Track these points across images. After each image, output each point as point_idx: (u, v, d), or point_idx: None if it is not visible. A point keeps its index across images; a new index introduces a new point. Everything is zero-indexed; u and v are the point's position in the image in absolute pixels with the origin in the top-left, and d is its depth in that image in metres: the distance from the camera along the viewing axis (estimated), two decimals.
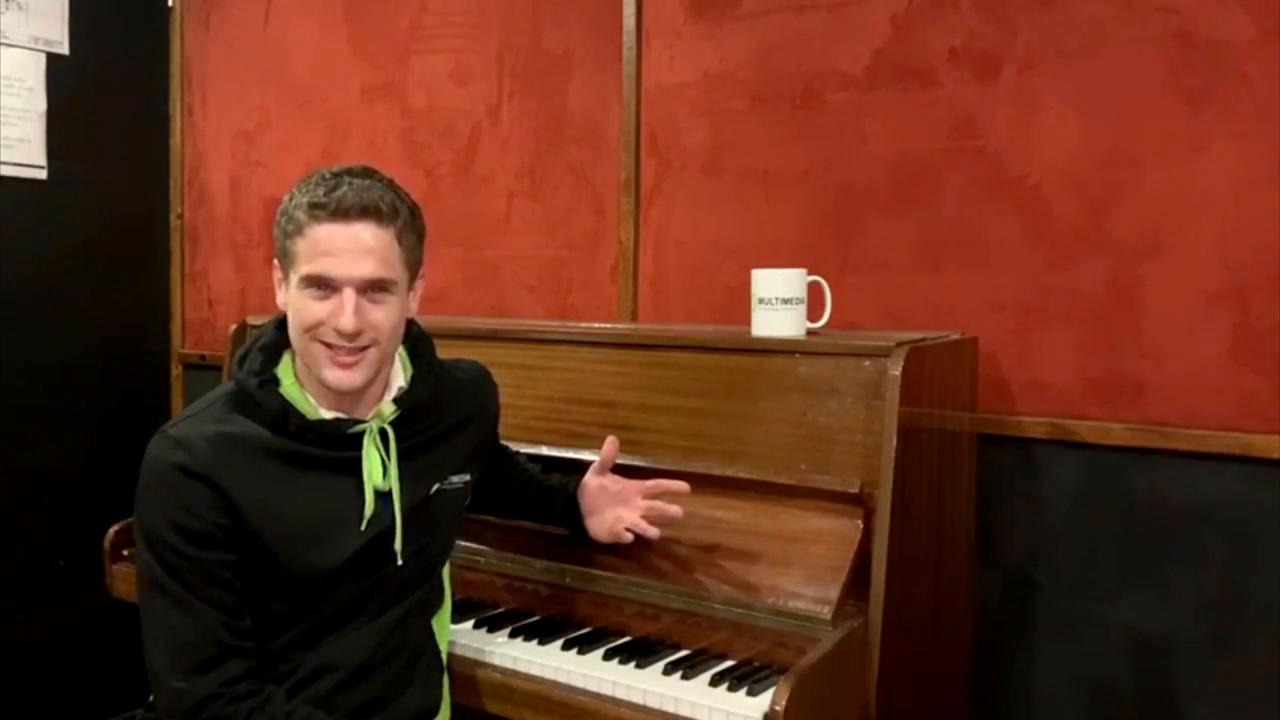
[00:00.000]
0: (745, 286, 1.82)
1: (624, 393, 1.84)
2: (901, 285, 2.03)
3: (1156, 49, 1.79)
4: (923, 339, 1.70)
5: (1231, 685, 1.77)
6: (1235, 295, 1.75)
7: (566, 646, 1.62)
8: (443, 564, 1.61)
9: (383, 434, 1.46)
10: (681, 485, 1.65)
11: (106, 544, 2.18)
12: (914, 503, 1.63)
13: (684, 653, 1.61)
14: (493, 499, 1.78)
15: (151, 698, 1.53)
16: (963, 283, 1.97)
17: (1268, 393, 1.72)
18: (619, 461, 1.73)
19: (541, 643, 1.64)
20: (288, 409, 1.42)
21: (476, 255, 2.60)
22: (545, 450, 1.86)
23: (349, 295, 1.38)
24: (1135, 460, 1.83)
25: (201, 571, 1.36)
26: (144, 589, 1.39)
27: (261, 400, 1.42)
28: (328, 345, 1.40)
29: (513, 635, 1.68)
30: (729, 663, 1.57)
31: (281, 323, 1.48)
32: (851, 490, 1.59)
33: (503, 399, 1.74)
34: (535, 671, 1.58)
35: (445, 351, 1.69)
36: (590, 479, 1.71)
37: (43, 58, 2.89)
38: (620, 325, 2.26)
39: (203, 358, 3.15)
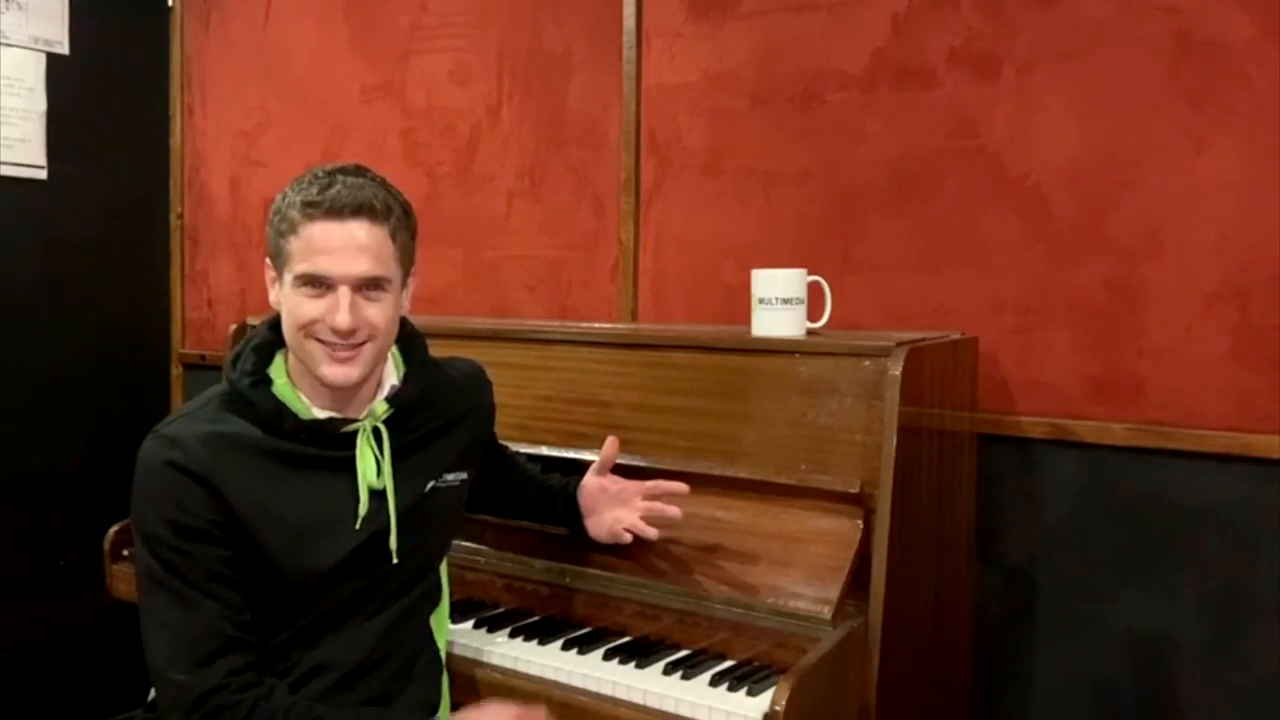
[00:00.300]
0: (745, 286, 1.82)
1: (624, 393, 1.84)
2: (901, 285, 2.03)
3: (1156, 49, 1.79)
4: (923, 339, 1.70)
5: (1231, 685, 1.77)
6: (1235, 295, 1.75)
7: (566, 646, 1.63)
8: (440, 562, 1.61)
9: (376, 433, 1.47)
10: (681, 486, 1.65)
11: (106, 544, 2.18)
12: (914, 503, 1.63)
13: (684, 653, 1.61)
14: (492, 499, 1.78)
15: (152, 696, 1.53)
16: (963, 283, 1.97)
17: (1268, 393, 1.72)
18: (619, 461, 1.73)
19: (541, 643, 1.64)
20: (281, 409, 1.42)
21: (476, 255, 2.60)
22: (545, 450, 1.86)
23: (344, 293, 1.38)
24: (1135, 460, 1.83)
25: (200, 567, 1.36)
26: (143, 587, 1.39)
27: (255, 400, 1.42)
28: (323, 342, 1.40)
29: (513, 635, 1.68)
30: (729, 663, 1.57)
31: (274, 323, 1.48)
32: (851, 490, 1.59)
33: (503, 399, 1.74)
34: (535, 671, 1.58)
35: (445, 351, 1.70)
36: (590, 479, 1.71)
37: (43, 58, 2.89)
38: (620, 325, 2.26)
39: (203, 358, 3.15)
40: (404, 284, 1.48)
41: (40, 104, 2.89)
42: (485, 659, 1.63)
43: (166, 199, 3.22)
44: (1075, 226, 1.87)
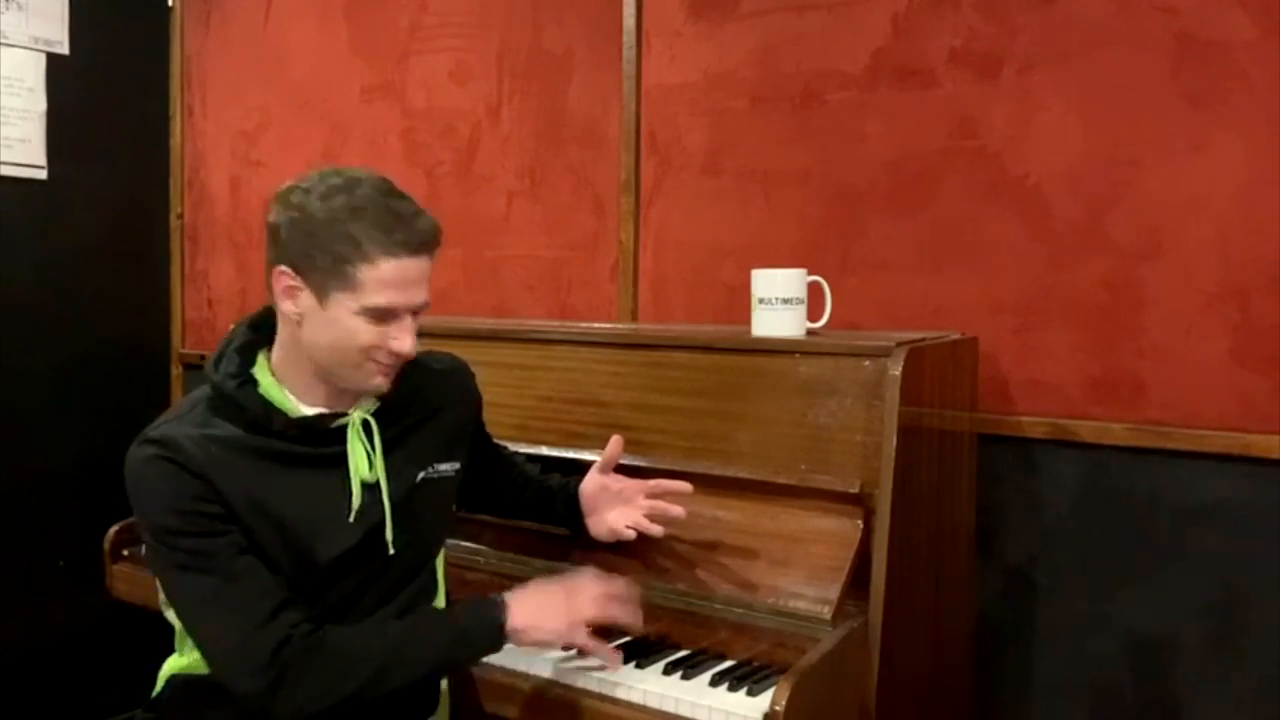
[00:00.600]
0: (745, 286, 1.82)
1: (624, 393, 1.84)
2: (901, 285, 2.03)
3: (1156, 49, 1.79)
4: (923, 339, 1.70)
5: (1231, 685, 1.77)
6: (1235, 295, 1.75)
7: (566, 646, 1.62)
8: (436, 555, 1.61)
9: (365, 426, 1.47)
10: (684, 485, 1.65)
11: (106, 544, 2.18)
12: (914, 503, 1.63)
13: (684, 653, 1.60)
14: (491, 499, 1.79)
15: (154, 694, 1.53)
16: (963, 283, 1.97)
17: (1268, 393, 1.72)
18: (619, 461, 1.72)
19: None
20: (269, 408, 1.43)
21: (476, 255, 2.60)
22: (545, 450, 1.86)
23: (409, 321, 1.42)
24: (1135, 460, 1.83)
25: (225, 545, 1.37)
26: (175, 582, 1.39)
27: (242, 401, 1.42)
28: (379, 363, 1.42)
29: None
30: (729, 663, 1.57)
31: (255, 323, 1.49)
32: (851, 490, 1.59)
33: (503, 399, 1.74)
34: (535, 671, 1.58)
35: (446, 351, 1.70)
36: (591, 478, 1.71)
37: (43, 58, 2.89)
38: (620, 325, 2.26)
39: (203, 358, 3.12)
40: None
41: (40, 104, 2.89)
42: (485, 659, 1.62)
43: (166, 199, 3.22)
44: (1075, 226, 1.87)
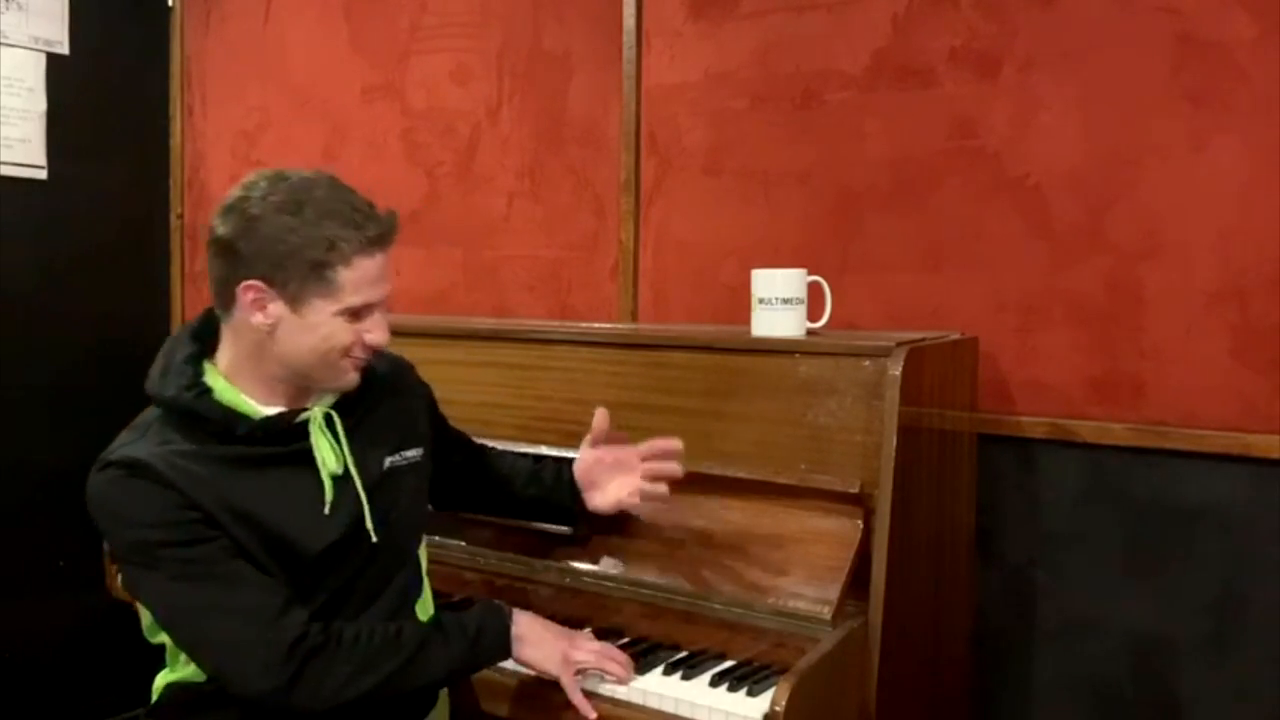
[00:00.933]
0: (745, 286, 1.82)
1: (624, 393, 1.84)
2: (901, 285, 2.03)
3: (1156, 49, 1.79)
4: (923, 339, 1.70)
5: (1231, 685, 1.77)
6: (1235, 295, 1.75)
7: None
8: (418, 543, 1.60)
9: (328, 420, 1.46)
10: (675, 443, 1.64)
11: (107, 544, 2.18)
12: (914, 503, 1.63)
13: (684, 653, 1.61)
14: (482, 496, 1.78)
15: (154, 701, 1.53)
16: (963, 283, 1.97)
17: (1268, 393, 1.72)
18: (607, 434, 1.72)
19: None
20: (231, 414, 1.41)
21: (476, 255, 2.60)
22: (545, 450, 1.86)
23: (382, 313, 1.44)
24: (1135, 460, 1.83)
25: (216, 551, 1.36)
26: (172, 599, 1.37)
27: (202, 410, 1.39)
28: (354, 357, 1.43)
29: None
30: (729, 663, 1.57)
31: (197, 333, 1.47)
32: (851, 490, 1.59)
33: (502, 399, 1.74)
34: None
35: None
36: (584, 454, 1.71)
37: (43, 58, 2.89)
38: (620, 325, 2.26)
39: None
40: None
41: (40, 104, 2.89)
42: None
43: (166, 199, 3.22)
44: (1075, 226, 1.87)
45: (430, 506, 1.69)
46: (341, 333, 1.40)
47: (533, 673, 1.54)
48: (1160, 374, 1.81)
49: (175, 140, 3.22)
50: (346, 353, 1.42)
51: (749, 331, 1.80)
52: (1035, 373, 1.91)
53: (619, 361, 1.86)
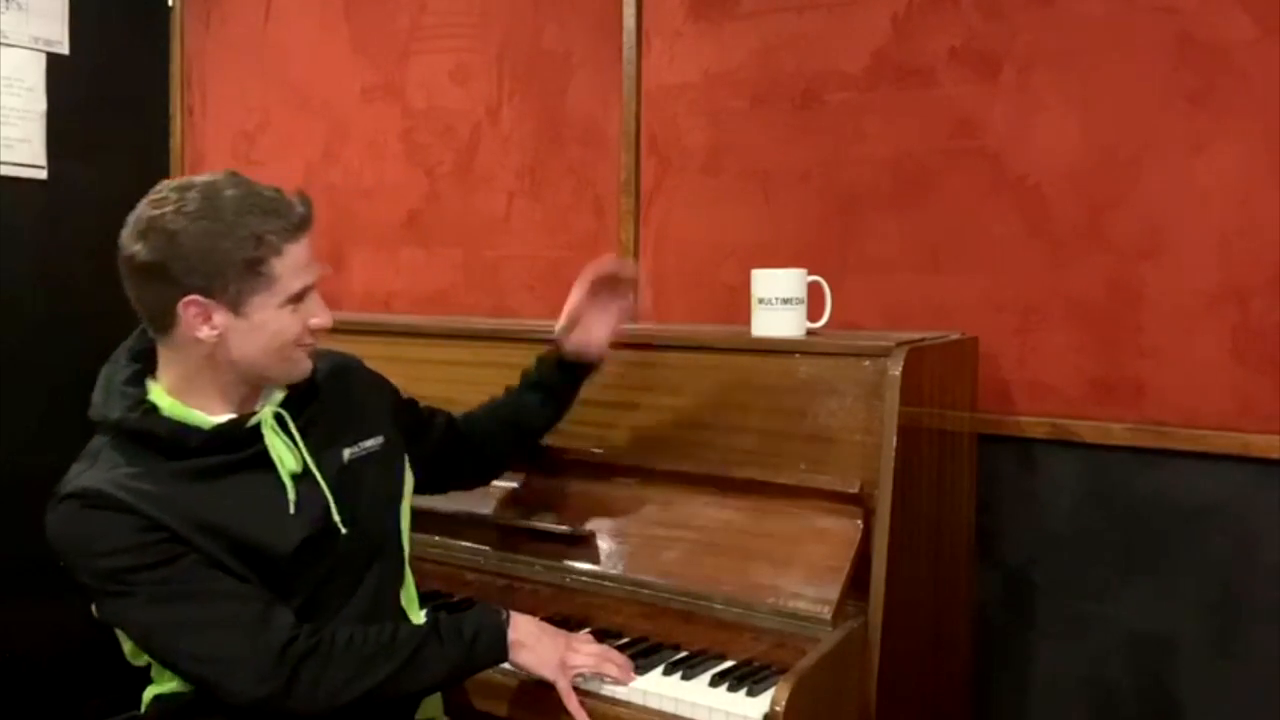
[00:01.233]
0: (745, 286, 1.81)
1: (624, 393, 1.84)
2: (901, 285, 2.03)
3: (1156, 49, 1.79)
4: (923, 339, 1.70)
5: (1231, 685, 1.77)
6: (1235, 295, 1.75)
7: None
8: (396, 536, 1.59)
9: (279, 420, 1.45)
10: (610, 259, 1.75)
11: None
12: (914, 503, 1.63)
13: (684, 653, 1.60)
14: (493, 453, 1.79)
15: (144, 709, 1.52)
16: (963, 283, 1.97)
17: (1268, 393, 1.72)
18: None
19: None
20: (180, 428, 1.39)
21: (476, 255, 2.60)
22: (545, 450, 1.87)
23: (317, 294, 1.44)
24: (1135, 460, 1.83)
25: (189, 567, 1.34)
26: (152, 621, 1.36)
27: (152, 428, 1.38)
28: (305, 345, 1.44)
29: None
30: (729, 663, 1.57)
31: (135, 354, 1.46)
32: (851, 490, 1.59)
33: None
34: None
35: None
36: (564, 326, 1.74)
37: (43, 58, 2.89)
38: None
39: None
40: None
41: (40, 104, 2.89)
42: None
43: None
44: (1075, 226, 1.87)
45: (449, 489, 1.73)
46: (289, 325, 1.40)
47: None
48: (1160, 374, 1.81)
49: (175, 140, 3.21)
50: (298, 342, 1.42)
51: (749, 331, 1.80)
52: (1035, 373, 1.91)
53: (618, 361, 1.85)
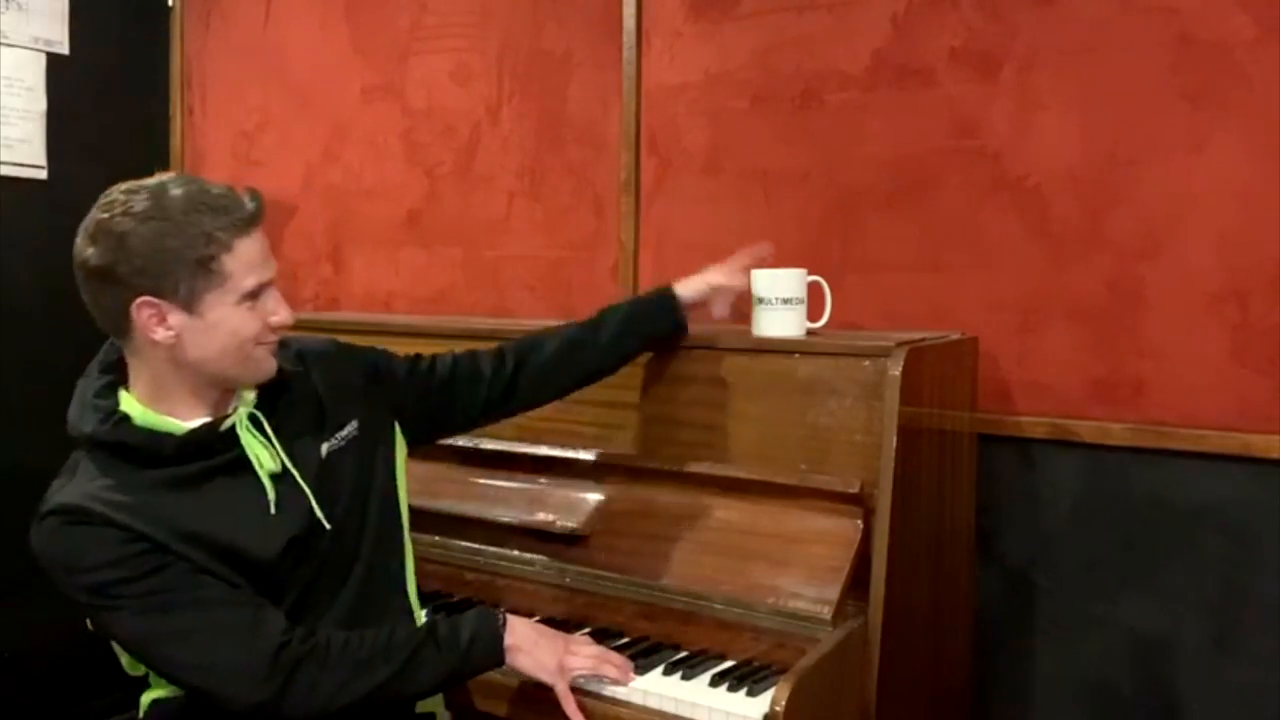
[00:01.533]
0: (745, 286, 1.81)
1: (623, 393, 1.84)
2: (901, 285, 2.03)
3: (1156, 49, 1.79)
4: (923, 339, 1.70)
5: (1231, 685, 1.77)
6: (1235, 295, 1.75)
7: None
8: (391, 521, 1.58)
9: (254, 420, 1.44)
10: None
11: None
12: (914, 503, 1.63)
13: (684, 653, 1.61)
14: (564, 372, 1.75)
15: (143, 713, 1.52)
16: (963, 283, 1.97)
17: (1268, 393, 1.72)
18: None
19: None
20: (153, 437, 1.38)
21: (476, 255, 2.60)
22: (545, 450, 1.87)
23: (275, 291, 1.42)
24: (1135, 460, 1.83)
25: (176, 576, 1.34)
26: (144, 632, 1.35)
27: (125, 439, 1.37)
28: (265, 344, 1.42)
29: None
30: (729, 663, 1.57)
31: (106, 365, 1.46)
32: (851, 490, 1.59)
33: None
34: None
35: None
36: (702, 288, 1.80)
37: (43, 58, 2.89)
38: None
39: None
40: None
41: (40, 104, 2.89)
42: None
43: None
44: (1075, 226, 1.87)
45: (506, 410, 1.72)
46: (246, 322, 1.38)
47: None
48: (1160, 374, 1.81)
49: (175, 140, 3.22)
50: (258, 341, 1.40)
51: (749, 331, 1.80)
52: (1035, 373, 1.91)
53: None
